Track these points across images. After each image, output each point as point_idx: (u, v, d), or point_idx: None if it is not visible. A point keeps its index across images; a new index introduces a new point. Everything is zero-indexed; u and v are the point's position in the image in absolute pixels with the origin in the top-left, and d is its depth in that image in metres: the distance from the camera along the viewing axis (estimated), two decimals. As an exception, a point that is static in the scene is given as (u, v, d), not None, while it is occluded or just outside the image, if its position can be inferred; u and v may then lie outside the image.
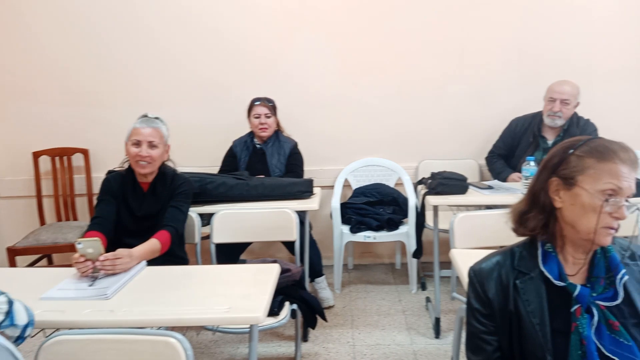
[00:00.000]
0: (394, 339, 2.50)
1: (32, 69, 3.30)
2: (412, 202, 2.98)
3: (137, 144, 2.03)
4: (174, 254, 2.11)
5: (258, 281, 1.62)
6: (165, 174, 2.15)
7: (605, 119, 3.00)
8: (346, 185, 3.38)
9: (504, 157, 3.09)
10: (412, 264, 3.04)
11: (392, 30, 3.25)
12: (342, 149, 3.41)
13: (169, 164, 2.20)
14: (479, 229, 2.06)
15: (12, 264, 2.97)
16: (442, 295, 2.77)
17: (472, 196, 2.56)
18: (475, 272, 1.18)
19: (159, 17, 3.25)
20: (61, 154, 3.34)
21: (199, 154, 3.33)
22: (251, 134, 3.03)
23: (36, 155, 3.30)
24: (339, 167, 3.40)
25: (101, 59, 3.29)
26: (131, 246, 1.84)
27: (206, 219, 2.46)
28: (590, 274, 1.10)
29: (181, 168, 2.33)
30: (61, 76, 3.31)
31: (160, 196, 2.11)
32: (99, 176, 2.81)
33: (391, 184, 3.35)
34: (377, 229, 2.98)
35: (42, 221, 3.34)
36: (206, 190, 2.48)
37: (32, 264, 3.22)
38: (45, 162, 3.34)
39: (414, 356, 2.34)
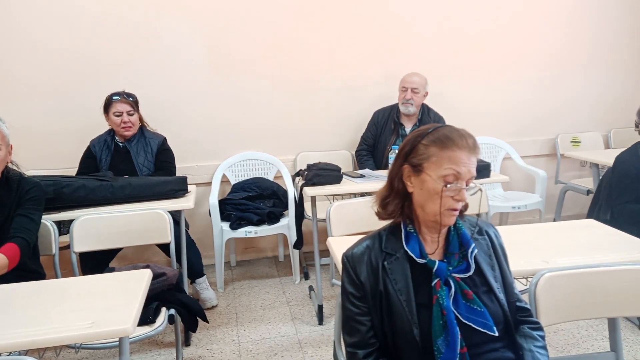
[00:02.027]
0: (279, 330, 2.51)
1: None
2: (291, 194, 3.00)
3: None
4: (27, 269, 1.87)
5: (126, 290, 1.49)
6: (10, 178, 1.88)
7: (454, 109, 3.36)
8: (225, 180, 3.30)
9: (371, 147, 3.26)
10: (295, 255, 3.07)
11: (264, 23, 3.23)
12: (218, 144, 3.32)
13: (12, 167, 1.93)
14: (353, 216, 2.14)
15: None
16: (323, 282, 2.85)
17: (346, 185, 2.65)
18: (348, 257, 1.21)
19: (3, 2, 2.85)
20: None
21: (52, 156, 3.00)
22: (111, 132, 2.79)
23: None
24: (215, 162, 3.30)
25: None
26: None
27: (65, 226, 2.22)
28: (446, 250, 1.19)
29: (31, 172, 2.07)
30: None
31: (4, 204, 1.85)
32: None
33: (270, 177, 3.35)
34: (258, 223, 2.95)
35: None
36: (62, 194, 2.23)
37: None
38: None
39: (299, 345, 2.37)
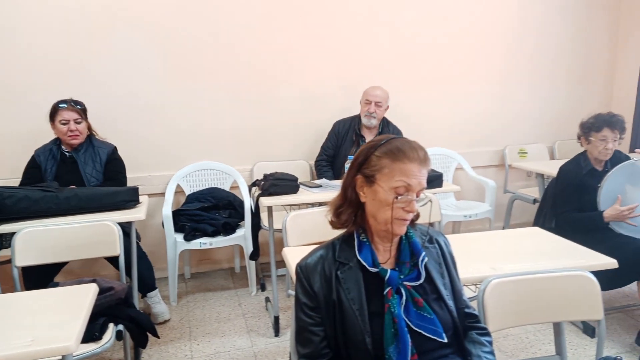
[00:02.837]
0: (234, 344, 2.46)
1: None
2: (248, 204, 2.97)
3: None
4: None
5: (70, 306, 1.42)
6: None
7: (410, 121, 3.45)
8: (179, 191, 3.22)
9: (331, 157, 3.28)
10: (251, 266, 3.03)
11: (218, 32, 3.20)
12: (171, 154, 3.24)
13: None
14: (309, 226, 2.14)
15: None
16: (280, 293, 2.82)
17: (303, 195, 2.65)
18: (302, 268, 1.21)
19: None
20: None
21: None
22: (57, 141, 2.67)
23: None
24: (169, 172, 3.23)
25: None
26: None
27: (7, 239, 2.11)
28: (397, 259, 1.21)
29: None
30: None
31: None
32: None
33: (227, 187, 3.30)
34: (213, 234, 2.90)
35: None
36: (4, 205, 2.12)
37: None
38: None
39: (254, 358, 2.33)
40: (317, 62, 3.43)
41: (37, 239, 2.03)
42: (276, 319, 2.55)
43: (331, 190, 2.71)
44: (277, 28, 3.31)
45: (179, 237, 2.88)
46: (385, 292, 1.15)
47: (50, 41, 2.90)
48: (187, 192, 3.22)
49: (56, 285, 1.90)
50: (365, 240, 1.20)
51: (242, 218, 3.04)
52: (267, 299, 2.92)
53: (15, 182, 2.60)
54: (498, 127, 3.94)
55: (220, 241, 2.91)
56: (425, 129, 3.66)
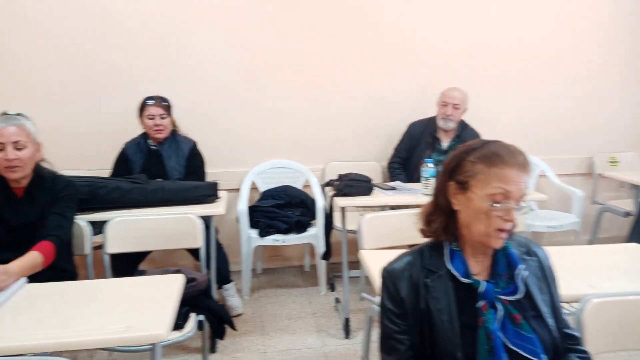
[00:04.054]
0: (305, 342, 2.48)
1: None
2: (320, 203, 2.98)
3: (1, 147, 1.77)
4: (60, 267, 1.88)
5: (160, 294, 1.49)
6: (43, 176, 1.90)
7: (488, 124, 3.25)
8: (252, 188, 3.29)
9: (404, 159, 3.22)
10: (321, 265, 3.04)
11: (298, 33, 3.23)
12: (247, 151, 3.32)
13: (45, 164, 1.95)
14: (385, 229, 2.10)
15: None
16: (351, 295, 2.80)
17: (377, 197, 2.62)
18: (389, 273, 1.18)
19: (43, 5, 2.92)
20: None
21: (87, 157, 3.05)
22: (145, 135, 2.82)
23: None
24: (244, 169, 3.31)
25: None
26: (6, 261, 1.61)
27: (98, 227, 2.24)
28: (492, 271, 1.14)
29: (66, 172, 2.09)
30: None
31: (38, 202, 1.87)
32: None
33: (299, 186, 3.33)
34: (285, 231, 2.94)
35: None
36: (97, 195, 2.26)
37: None
38: None
39: (325, 358, 2.33)
40: (391, 62, 3.37)
41: (126, 228, 2.14)
42: (347, 320, 2.53)
43: (406, 193, 2.65)
44: (349, 29, 3.29)
45: (254, 232, 2.94)
46: (479, 305, 1.09)
47: (143, 42, 3.07)
48: (261, 189, 3.28)
49: (143, 273, 2.01)
50: (457, 249, 1.15)
51: (313, 217, 3.06)
52: (337, 300, 2.91)
53: (105, 173, 2.76)
54: (586, 132, 3.68)
55: (292, 239, 2.94)
56: (505, 132, 3.42)
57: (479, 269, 1.15)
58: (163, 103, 2.76)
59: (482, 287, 1.10)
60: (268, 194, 3.18)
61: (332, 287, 3.13)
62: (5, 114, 1.83)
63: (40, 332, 1.26)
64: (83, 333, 1.26)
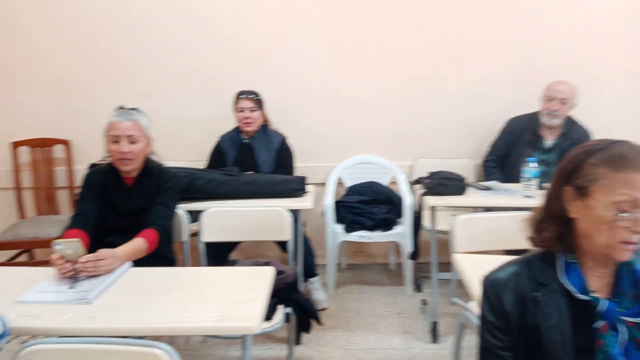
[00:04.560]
0: (390, 342, 2.42)
1: (13, 57, 3.14)
2: (408, 201, 2.89)
3: (116, 140, 1.90)
4: (161, 254, 1.99)
5: (252, 285, 1.52)
6: (151, 168, 2.03)
7: (598, 122, 2.93)
8: (339, 182, 3.28)
9: (501, 158, 3.02)
10: (407, 265, 2.96)
11: (386, 26, 3.15)
12: (334, 146, 3.32)
13: (153, 157, 2.07)
14: (480, 231, 1.99)
15: (-11, 259, 2.84)
16: (440, 298, 2.69)
17: (471, 197, 2.48)
18: (492, 283, 1.09)
19: (144, 6, 3.12)
20: (41, 145, 3.19)
21: (184, 148, 3.21)
22: (238, 129, 2.91)
23: (15, 145, 3.15)
24: (331, 164, 3.30)
25: (84, 48, 3.15)
26: (114, 245, 1.74)
27: (193, 215, 2.35)
28: (615, 288, 1.02)
29: (166, 162, 2.21)
30: (43, 65, 3.16)
31: (145, 192, 1.99)
32: (80, 168, 2.72)
33: (385, 182, 3.26)
34: (371, 228, 2.89)
35: (22, 214, 3.19)
36: (194, 186, 2.37)
37: (11, 259, 3.07)
38: (24, 153, 3.19)
39: (410, 361, 2.27)
40: (486, 55, 3.17)
41: (219, 219, 2.22)
42: (434, 324, 2.44)
43: (503, 194, 2.49)
44: (439, 19, 3.13)
45: (339, 227, 2.93)
46: (597, 326, 0.97)
47: (241, 33, 3.15)
48: (347, 184, 3.26)
49: (234, 263, 2.07)
50: (572, 261, 1.03)
51: (400, 215, 2.98)
52: (424, 302, 2.82)
53: (200, 164, 2.89)
54: None
55: (378, 236, 2.89)
56: (619, 130, 3.13)
57: (598, 285, 1.03)
58: (253, 96, 2.84)
59: (603, 305, 0.98)
60: (354, 190, 3.15)
61: (418, 287, 3.04)
62: (122, 108, 1.97)
63: (142, 315, 1.33)
64: (181, 319, 1.31)
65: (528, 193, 2.37)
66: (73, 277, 1.53)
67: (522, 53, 3.16)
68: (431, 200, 2.43)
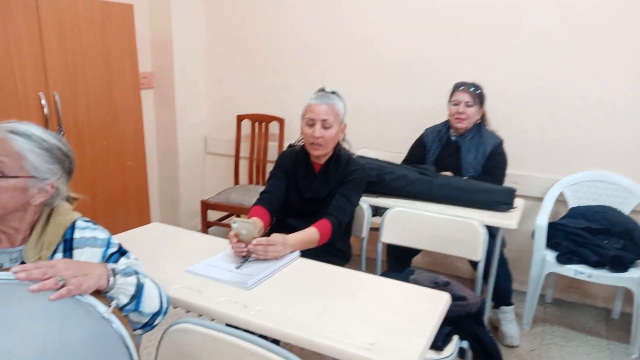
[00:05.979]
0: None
1: (244, 38, 3.44)
2: (656, 240, 2.18)
3: (311, 123, 1.83)
4: (335, 246, 1.90)
5: (420, 312, 1.27)
6: (340, 156, 1.92)
7: None
8: (560, 200, 2.70)
9: None
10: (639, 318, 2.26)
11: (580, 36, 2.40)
12: (560, 154, 2.73)
13: (345, 145, 1.96)
14: None
15: (204, 215, 3.21)
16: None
17: None
18: None
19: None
20: (260, 120, 3.45)
21: (384, 137, 3.08)
22: (447, 124, 2.60)
23: (240, 118, 3.48)
24: (553, 176, 2.74)
25: (294, 31, 3.26)
26: (294, 227, 1.70)
27: (374, 209, 2.20)
28: None
29: (360, 151, 2.09)
30: (268, 47, 3.38)
31: (330, 180, 1.90)
32: (289, 146, 2.82)
33: (625, 210, 2.55)
34: (595, 265, 2.29)
35: (236, 181, 3.54)
36: (383, 180, 2.20)
37: (221, 220, 3.44)
38: (246, 126, 3.50)
39: None
40: None
41: (403, 220, 2.01)
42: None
43: None
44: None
45: (551, 255, 2.40)
46: None
47: (461, 18, 2.83)
48: (571, 204, 2.66)
49: (411, 273, 1.83)
50: None
51: (639, 254, 2.28)
52: (657, 376, 2.12)
53: (398, 156, 2.71)
54: None
55: (602, 277, 2.27)
56: None
57: None
58: (473, 90, 2.48)
59: None
60: (579, 212, 2.54)
61: (650, 353, 2.31)
62: (322, 90, 1.91)
63: (293, 318, 1.22)
64: (330, 335, 1.15)
65: None
66: (244, 257, 1.53)
67: None
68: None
